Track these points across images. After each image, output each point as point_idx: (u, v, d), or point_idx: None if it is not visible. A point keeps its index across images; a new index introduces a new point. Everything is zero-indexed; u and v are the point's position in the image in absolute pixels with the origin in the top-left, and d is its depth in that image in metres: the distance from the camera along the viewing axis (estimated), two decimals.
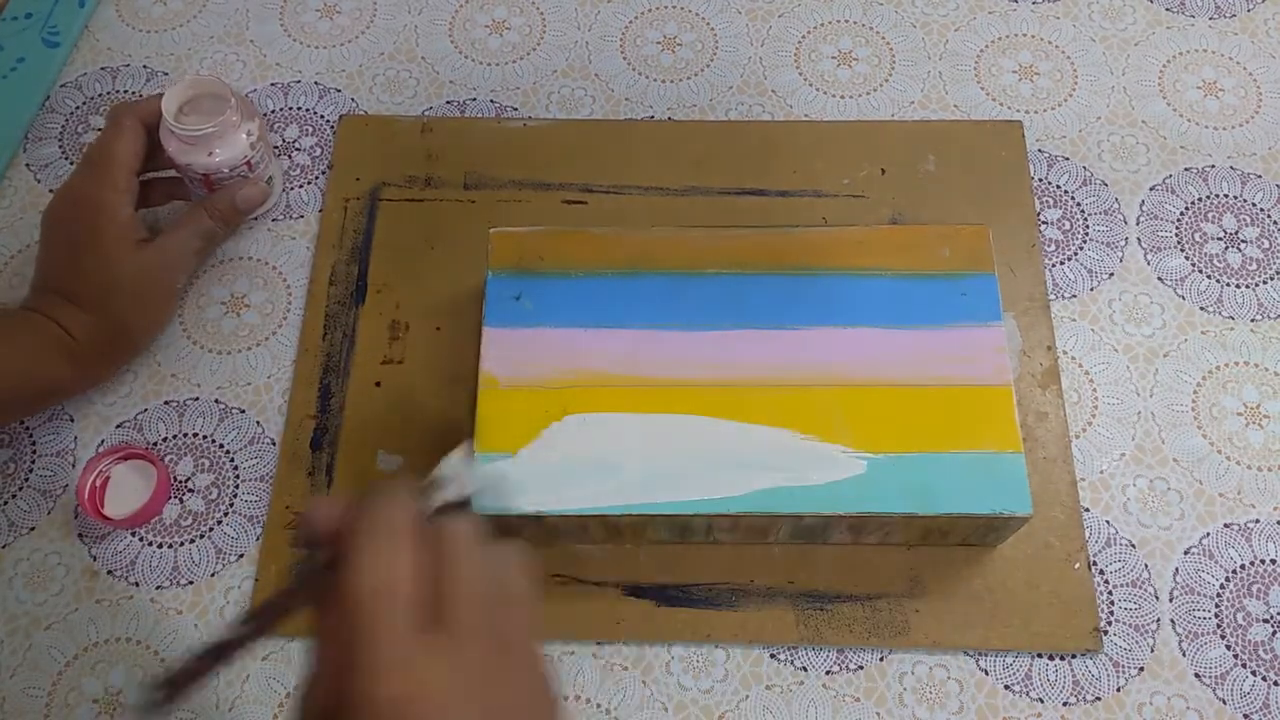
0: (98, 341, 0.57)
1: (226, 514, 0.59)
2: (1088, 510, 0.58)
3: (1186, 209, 0.67)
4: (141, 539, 0.58)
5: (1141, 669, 0.55)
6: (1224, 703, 0.54)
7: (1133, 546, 0.58)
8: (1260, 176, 0.68)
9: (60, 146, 0.70)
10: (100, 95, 0.72)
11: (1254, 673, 0.55)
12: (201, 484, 0.59)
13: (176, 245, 0.59)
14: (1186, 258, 0.65)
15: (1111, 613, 0.56)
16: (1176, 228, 0.66)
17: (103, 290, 0.57)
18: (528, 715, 0.36)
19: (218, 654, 0.37)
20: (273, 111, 0.71)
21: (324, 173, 0.69)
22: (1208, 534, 0.58)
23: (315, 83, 0.72)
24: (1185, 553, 0.57)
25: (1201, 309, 0.64)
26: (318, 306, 0.64)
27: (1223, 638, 0.55)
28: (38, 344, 0.56)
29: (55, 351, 0.56)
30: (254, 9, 0.76)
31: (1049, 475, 0.58)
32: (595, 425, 0.53)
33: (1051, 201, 0.67)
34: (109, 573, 0.57)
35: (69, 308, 0.56)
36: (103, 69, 0.73)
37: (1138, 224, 0.67)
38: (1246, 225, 0.66)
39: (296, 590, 0.38)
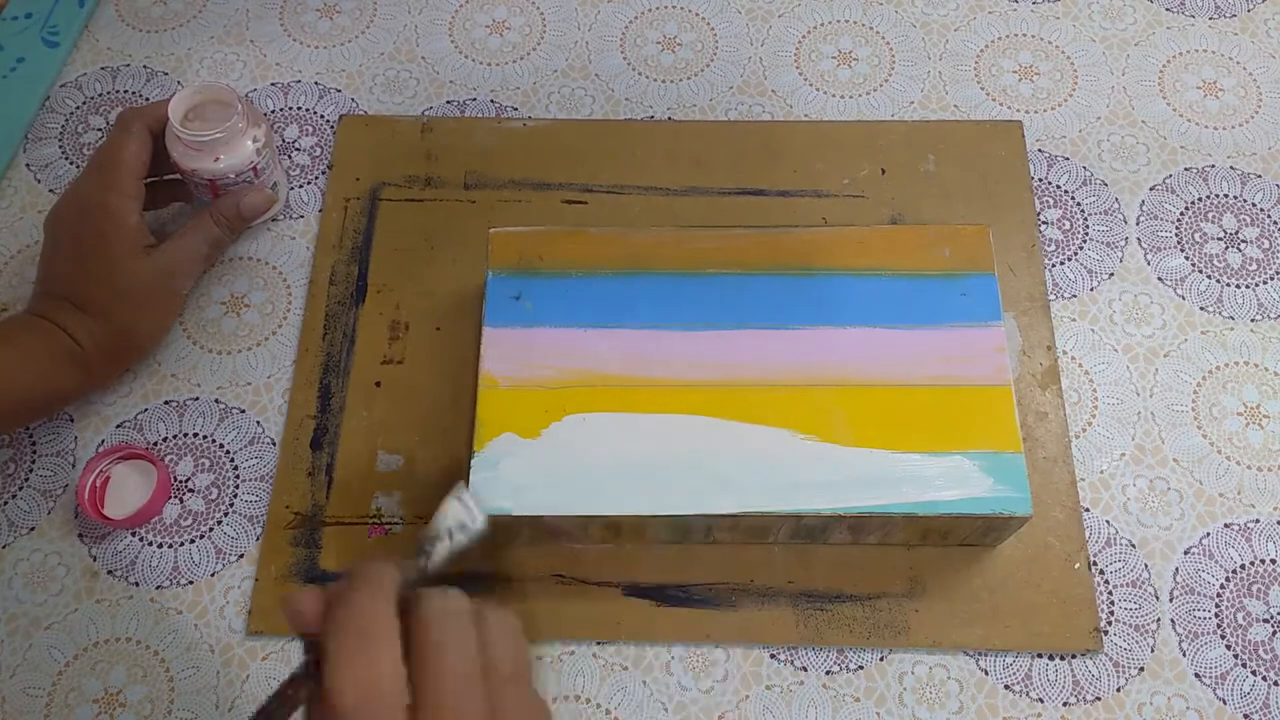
0: (104, 348, 0.57)
1: (226, 514, 0.59)
2: (1088, 510, 0.58)
3: (1186, 209, 0.67)
4: (141, 539, 0.58)
5: (1141, 669, 0.55)
6: (1224, 703, 0.54)
7: (1133, 546, 0.58)
8: (1260, 176, 0.68)
9: (60, 146, 0.70)
10: (100, 95, 0.72)
11: (1254, 673, 0.55)
12: (201, 484, 0.60)
13: (183, 251, 0.59)
14: (1186, 258, 0.65)
15: (1111, 613, 0.56)
16: (1176, 228, 0.66)
17: (110, 296, 0.57)
18: None
19: None
20: (273, 111, 0.71)
21: (324, 173, 0.69)
22: (1208, 534, 0.58)
23: (315, 83, 0.72)
24: (1185, 553, 0.57)
25: (1201, 309, 0.64)
26: (318, 306, 0.64)
27: (1223, 638, 0.55)
28: (46, 352, 0.56)
29: (64, 359, 0.56)
30: (254, 9, 0.76)
31: (1049, 475, 0.59)
32: (595, 425, 0.53)
33: (1051, 201, 0.67)
34: (109, 573, 0.57)
35: (76, 314, 0.56)
36: (103, 69, 0.73)
37: (1138, 224, 0.67)
38: (1246, 225, 0.66)
39: (290, 694, 0.37)
